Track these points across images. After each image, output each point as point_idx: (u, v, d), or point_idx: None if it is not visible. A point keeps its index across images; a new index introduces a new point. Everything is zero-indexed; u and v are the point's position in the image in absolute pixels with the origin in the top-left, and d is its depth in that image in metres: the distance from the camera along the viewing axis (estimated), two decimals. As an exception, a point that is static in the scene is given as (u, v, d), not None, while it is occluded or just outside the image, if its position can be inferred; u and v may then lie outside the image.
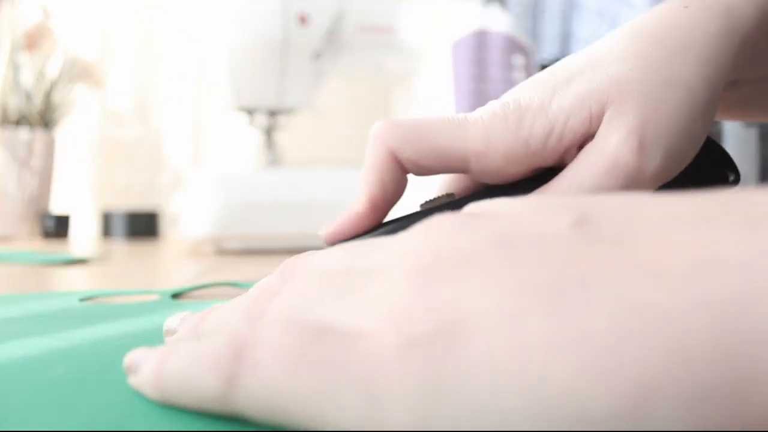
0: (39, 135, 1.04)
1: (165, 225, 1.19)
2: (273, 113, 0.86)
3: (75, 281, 0.44)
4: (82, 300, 0.33)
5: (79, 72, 1.10)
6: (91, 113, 1.23)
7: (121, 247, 0.82)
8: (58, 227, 0.98)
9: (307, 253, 0.19)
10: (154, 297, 0.35)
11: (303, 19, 0.81)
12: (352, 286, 0.15)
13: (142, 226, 1.01)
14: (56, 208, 1.14)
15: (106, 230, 1.01)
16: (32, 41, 1.06)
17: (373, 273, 0.15)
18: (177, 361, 0.15)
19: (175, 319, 0.20)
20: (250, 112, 0.86)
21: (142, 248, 0.81)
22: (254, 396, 0.13)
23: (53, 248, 0.79)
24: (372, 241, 0.17)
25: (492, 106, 0.24)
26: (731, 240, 0.11)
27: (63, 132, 1.18)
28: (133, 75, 1.25)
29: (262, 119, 0.86)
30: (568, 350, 0.10)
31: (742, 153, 0.93)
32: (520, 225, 0.14)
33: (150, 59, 1.26)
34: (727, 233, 0.11)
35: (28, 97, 1.05)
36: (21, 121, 1.04)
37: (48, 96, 1.06)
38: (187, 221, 0.81)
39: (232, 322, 0.17)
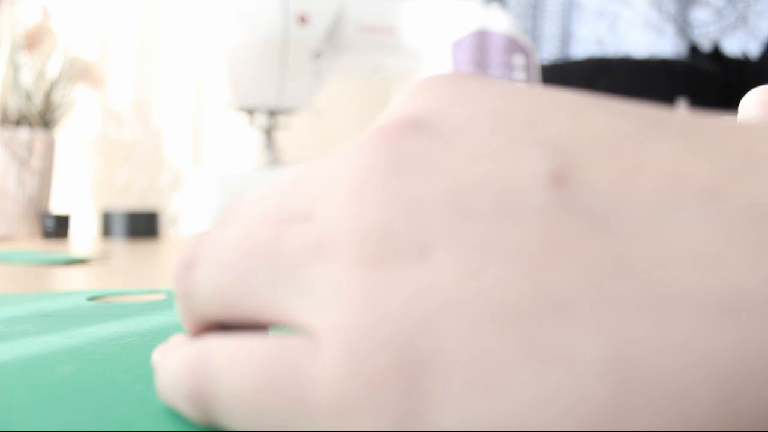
0: (39, 135, 1.04)
1: (165, 225, 1.19)
2: (273, 113, 0.86)
3: (75, 281, 0.44)
4: (89, 299, 0.33)
5: (79, 72, 1.10)
6: (91, 113, 1.23)
7: (121, 247, 0.82)
8: (58, 227, 0.98)
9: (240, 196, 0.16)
10: (160, 296, 0.35)
11: (303, 19, 0.81)
12: (289, 260, 0.12)
13: (142, 226, 1.01)
14: (56, 208, 1.14)
15: (106, 230, 1.01)
16: (32, 41, 1.06)
17: (309, 242, 0.12)
18: (162, 373, 0.14)
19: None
20: (250, 112, 0.86)
21: (142, 248, 0.81)
22: (230, 421, 0.12)
23: (53, 248, 0.79)
24: (299, 170, 0.14)
25: None
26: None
27: (63, 132, 1.18)
28: (133, 75, 1.25)
29: (262, 119, 0.86)
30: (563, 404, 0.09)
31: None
32: (478, 171, 0.11)
33: (150, 59, 1.26)
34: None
35: (28, 97, 1.05)
36: (21, 121, 1.04)
37: (48, 96, 1.06)
38: (187, 221, 0.81)
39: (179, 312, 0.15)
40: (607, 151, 0.11)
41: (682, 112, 0.12)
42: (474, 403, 0.09)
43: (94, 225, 1.21)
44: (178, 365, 0.13)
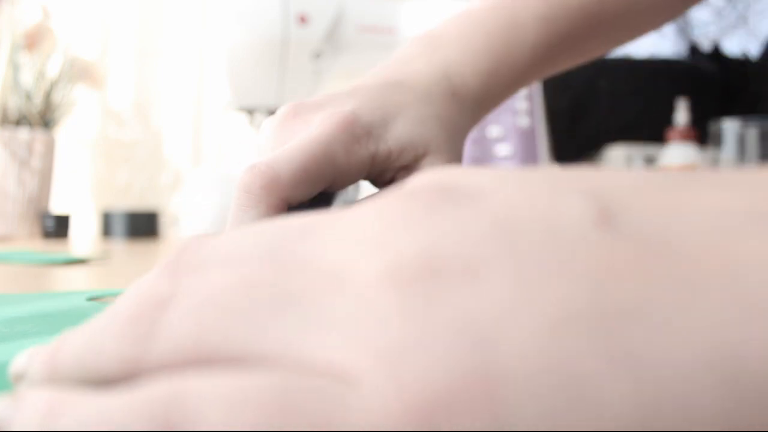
0: (39, 135, 1.04)
1: (165, 225, 1.19)
2: (273, 113, 0.86)
3: (75, 281, 0.44)
4: (89, 299, 0.33)
5: (79, 72, 1.10)
6: (91, 113, 1.23)
7: (121, 247, 0.82)
8: (58, 227, 0.98)
9: (202, 234, 0.14)
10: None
11: (303, 19, 0.81)
12: (297, 294, 0.11)
13: (142, 226, 1.00)
14: (56, 208, 1.14)
15: (106, 230, 1.00)
16: (32, 41, 1.06)
17: (323, 273, 0.11)
18: (69, 422, 0.10)
19: (23, 359, 0.13)
20: (250, 112, 0.86)
21: (142, 248, 0.81)
22: None
23: (53, 248, 0.79)
24: (304, 220, 0.12)
25: (347, 123, 0.28)
26: None
27: (63, 132, 1.18)
28: (133, 75, 1.25)
29: (262, 119, 0.86)
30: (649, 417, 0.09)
31: (742, 153, 0.93)
32: (522, 211, 0.11)
33: (150, 59, 1.26)
34: None
35: (28, 97, 1.05)
36: (21, 121, 1.04)
37: (48, 96, 1.06)
38: (187, 221, 0.81)
39: (106, 354, 0.11)
40: (643, 193, 0.11)
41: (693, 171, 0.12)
42: (563, 418, 0.09)
43: (94, 225, 1.21)
44: (115, 416, 0.10)
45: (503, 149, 0.80)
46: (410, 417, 0.09)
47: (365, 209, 0.12)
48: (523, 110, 0.81)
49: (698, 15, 1.32)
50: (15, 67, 1.03)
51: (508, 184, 0.11)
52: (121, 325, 0.11)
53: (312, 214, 0.13)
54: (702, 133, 1.01)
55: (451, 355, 0.09)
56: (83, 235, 1.12)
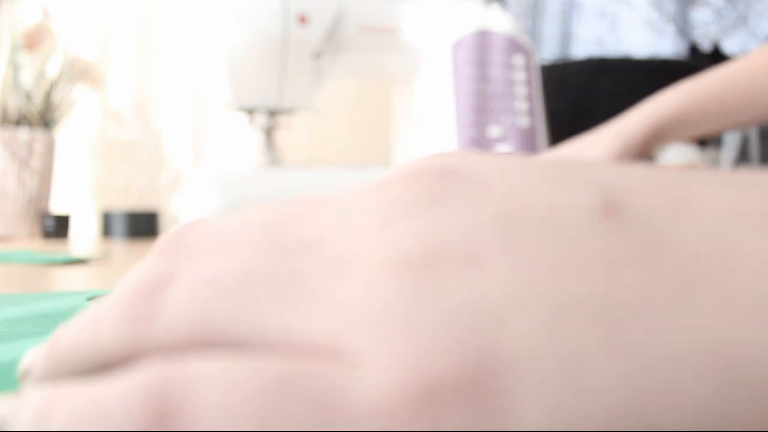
0: (39, 135, 1.04)
1: (165, 225, 1.19)
2: (273, 113, 0.86)
3: (75, 281, 0.44)
4: (89, 299, 0.33)
5: (79, 72, 1.10)
6: (91, 113, 1.23)
7: (121, 247, 0.82)
8: (58, 227, 0.98)
9: (198, 219, 0.13)
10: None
11: (303, 19, 0.81)
12: (299, 278, 0.11)
13: (142, 226, 1.00)
14: (56, 208, 1.14)
15: (106, 230, 1.00)
16: (32, 41, 1.06)
17: (326, 257, 0.11)
18: (63, 416, 0.10)
19: (29, 357, 0.13)
20: (250, 112, 0.86)
21: (142, 248, 0.81)
22: None
23: (53, 248, 0.79)
24: (302, 202, 0.12)
25: None
26: None
27: (63, 132, 1.18)
28: (133, 75, 1.25)
29: (262, 119, 0.86)
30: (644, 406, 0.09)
31: (743, 153, 0.93)
32: (526, 200, 0.11)
33: (150, 59, 1.26)
34: None
35: (28, 97, 1.05)
36: (21, 121, 1.04)
37: (48, 96, 1.06)
38: (187, 221, 0.81)
39: (103, 336, 0.11)
40: (649, 188, 0.11)
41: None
42: (561, 401, 0.09)
43: (94, 225, 1.21)
44: (111, 403, 0.09)
45: (503, 149, 0.80)
46: (413, 402, 0.09)
47: (368, 192, 0.12)
48: (523, 110, 0.81)
49: (698, 15, 1.32)
50: (15, 67, 1.03)
51: (513, 173, 0.11)
52: (119, 307, 0.11)
53: (313, 197, 0.13)
54: (702, 133, 1.01)
55: (454, 341, 0.09)
56: (83, 235, 1.12)
